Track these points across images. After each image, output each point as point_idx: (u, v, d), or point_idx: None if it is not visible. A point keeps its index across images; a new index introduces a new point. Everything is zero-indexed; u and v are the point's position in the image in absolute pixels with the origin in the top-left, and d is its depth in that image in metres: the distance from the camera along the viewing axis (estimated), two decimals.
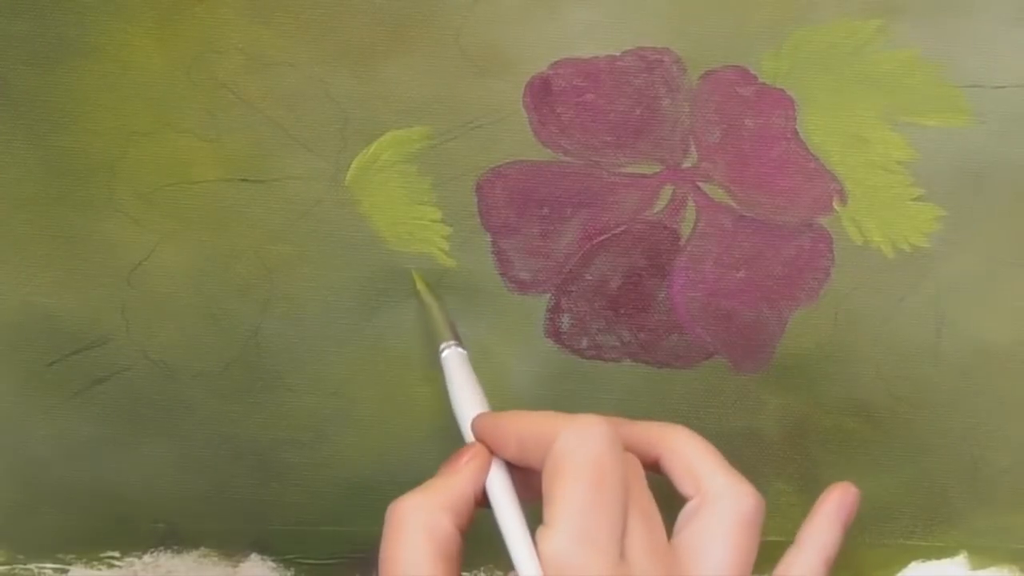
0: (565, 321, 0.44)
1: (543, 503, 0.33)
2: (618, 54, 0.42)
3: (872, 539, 0.46)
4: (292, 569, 0.47)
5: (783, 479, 0.46)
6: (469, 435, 0.37)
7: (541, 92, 0.42)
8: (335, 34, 0.41)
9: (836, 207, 0.43)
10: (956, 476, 0.45)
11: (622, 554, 0.32)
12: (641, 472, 0.35)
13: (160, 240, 0.44)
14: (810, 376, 0.44)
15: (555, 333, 0.44)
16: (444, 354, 0.40)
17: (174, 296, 0.44)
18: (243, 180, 0.43)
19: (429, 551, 0.33)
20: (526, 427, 0.34)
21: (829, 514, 0.38)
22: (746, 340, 0.44)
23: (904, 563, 0.47)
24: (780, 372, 0.44)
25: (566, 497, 0.32)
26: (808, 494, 0.46)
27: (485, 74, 0.42)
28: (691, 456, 0.36)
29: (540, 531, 0.32)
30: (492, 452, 0.36)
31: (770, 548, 0.47)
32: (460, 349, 0.41)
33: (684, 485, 0.36)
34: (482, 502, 0.35)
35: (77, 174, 0.43)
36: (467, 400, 0.38)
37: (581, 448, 0.33)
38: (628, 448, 0.35)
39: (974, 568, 0.46)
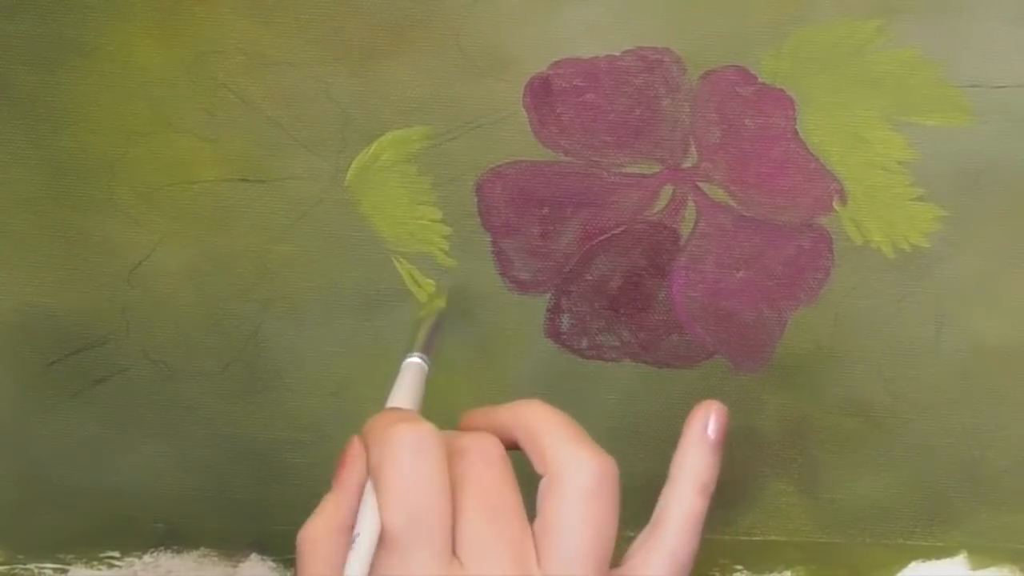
0: (565, 321, 0.44)
1: None
2: (618, 54, 0.42)
3: (872, 539, 0.46)
4: (292, 569, 0.47)
5: (783, 479, 0.46)
6: None
7: (541, 92, 0.42)
8: (335, 34, 0.41)
9: (836, 207, 0.43)
10: (956, 476, 0.45)
11: (455, 553, 0.32)
12: (499, 458, 0.34)
13: (160, 240, 0.43)
14: (810, 376, 0.44)
15: (555, 333, 0.44)
16: (406, 361, 0.40)
17: (174, 296, 0.44)
18: (243, 180, 0.43)
19: None
20: (369, 435, 0.35)
21: (696, 440, 0.36)
22: (746, 340, 0.44)
23: (904, 563, 0.47)
24: (780, 372, 0.44)
25: (384, 523, 0.32)
26: (808, 494, 0.46)
27: (485, 74, 0.42)
28: (537, 431, 0.34)
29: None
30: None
31: (771, 548, 0.47)
32: (424, 364, 0.40)
33: (535, 463, 0.34)
34: None
35: (77, 174, 0.43)
36: (396, 400, 0.38)
37: (392, 473, 0.32)
38: (494, 433, 0.35)
39: (974, 568, 0.46)
